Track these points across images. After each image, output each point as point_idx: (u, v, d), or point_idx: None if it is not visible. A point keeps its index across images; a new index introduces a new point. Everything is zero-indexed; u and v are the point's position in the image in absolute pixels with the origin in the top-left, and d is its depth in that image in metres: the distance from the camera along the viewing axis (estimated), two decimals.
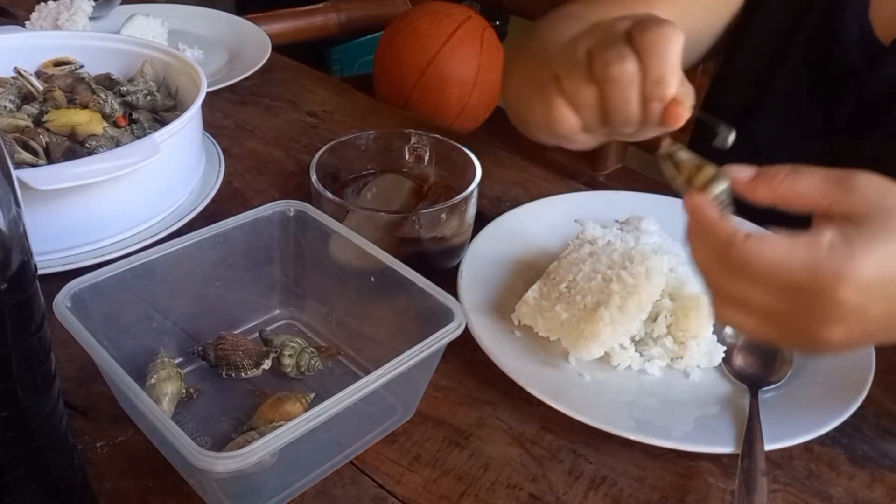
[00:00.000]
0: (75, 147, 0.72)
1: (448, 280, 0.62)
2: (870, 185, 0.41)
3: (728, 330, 0.64)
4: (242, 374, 0.58)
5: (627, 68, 0.49)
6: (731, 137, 0.52)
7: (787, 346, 0.47)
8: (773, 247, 0.40)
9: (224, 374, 0.58)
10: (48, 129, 0.73)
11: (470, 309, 0.62)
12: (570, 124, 0.53)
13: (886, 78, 0.71)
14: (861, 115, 0.73)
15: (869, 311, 0.40)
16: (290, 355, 0.58)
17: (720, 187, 0.45)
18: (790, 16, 0.76)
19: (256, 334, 0.62)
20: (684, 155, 0.47)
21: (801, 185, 0.42)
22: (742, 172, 0.44)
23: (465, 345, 0.59)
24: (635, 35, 0.49)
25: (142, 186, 0.71)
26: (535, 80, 0.56)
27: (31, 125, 0.74)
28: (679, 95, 0.49)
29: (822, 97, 0.76)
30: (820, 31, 0.74)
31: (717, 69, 0.88)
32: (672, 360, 0.62)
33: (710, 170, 0.46)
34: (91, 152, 0.72)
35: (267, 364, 0.58)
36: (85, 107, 0.78)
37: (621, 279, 0.61)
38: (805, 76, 0.76)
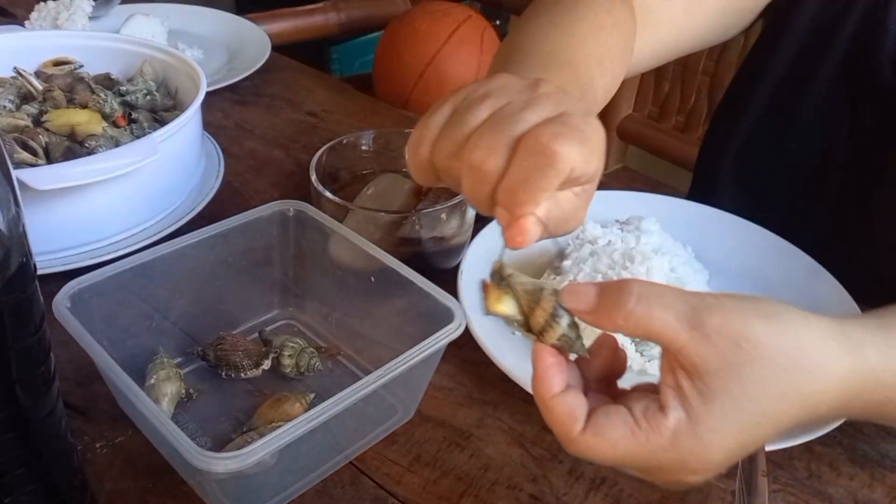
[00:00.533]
0: (74, 147, 0.72)
1: (448, 280, 0.62)
2: (723, 335, 0.37)
3: None
4: (242, 375, 0.58)
5: (487, 166, 0.41)
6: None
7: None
8: (614, 445, 0.37)
9: (224, 374, 0.58)
10: (47, 129, 0.73)
11: (470, 309, 0.62)
12: (422, 177, 0.46)
13: None
14: (888, 118, 0.73)
15: (718, 469, 0.39)
16: (289, 355, 0.58)
17: (562, 325, 0.39)
18: (832, 13, 0.75)
19: (256, 334, 0.62)
20: (517, 281, 0.40)
21: (652, 324, 0.37)
22: (581, 302, 0.39)
23: (465, 345, 0.59)
24: (526, 137, 0.41)
25: (141, 186, 0.71)
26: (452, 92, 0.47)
27: (31, 125, 0.74)
28: (526, 221, 0.42)
29: (852, 98, 0.75)
30: (861, 31, 0.73)
31: (746, 59, 0.87)
32: None
33: (547, 303, 0.39)
34: (90, 152, 0.71)
35: (266, 364, 0.58)
36: (84, 106, 0.77)
37: (622, 279, 0.61)
38: (840, 76, 0.76)
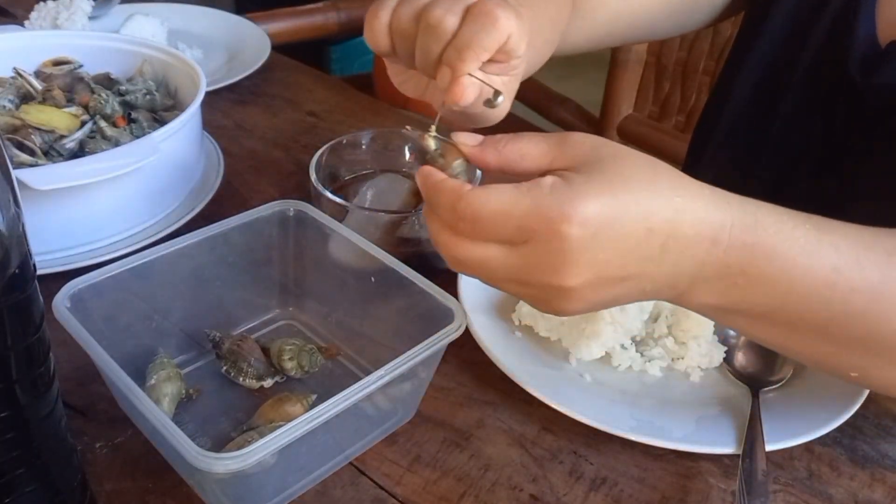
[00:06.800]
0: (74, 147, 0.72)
1: (448, 280, 0.62)
2: (586, 141, 0.43)
3: (730, 330, 0.63)
4: (240, 380, 0.57)
5: (444, 24, 0.48)
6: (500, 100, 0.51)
7: (540, 307, 0.44)
8: (499, 194, 0.41)
9: (224, 369, 0.58)
10: (31, 126, 0.72)
11: (470, 309, 0.62)
12: (379, 42, 0.52)
13: (877, 87, 0.70)
14: (857, 115, 0.73)
15: (598, 254, 0.41)
16: (289, 358, 0.58)
17: (457, 162, 0.47)
18: (804, 15, 0.76)
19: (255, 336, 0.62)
20: (433, 143, 0.48)
21: (524, 146, 0.43)
22: (470, 139, 0.45)
23: (465, 345, 0.59)
24: (478, 3, 0.49)
25: (141, 186, 0.70)
26: None
27: (24, 124, 0.73)
28: (465, 79, 0.48)
29: (825, 95, 0.76)
30: (831, 32, 0.74)
31: (724, 66, 0.87)
32: (673, 360, 0.62)
33: (451, 156, 0.47)
34: (91, 152, 0.71)
35: (268, 383, 0.58)
36: (85, 106, 0.77)
37: None
38: (813, 75, 0.76)
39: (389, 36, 0.51)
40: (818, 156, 0.77)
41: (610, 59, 1.50)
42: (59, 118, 0.74)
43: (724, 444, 0.54)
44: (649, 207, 0.41)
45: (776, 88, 0.79)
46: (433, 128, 0.48)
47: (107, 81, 0.83)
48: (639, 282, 0.43)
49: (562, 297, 0.42)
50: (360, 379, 0.47)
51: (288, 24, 1.42)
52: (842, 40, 0.72)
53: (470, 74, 0.49)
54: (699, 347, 0.61)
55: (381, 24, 0.51)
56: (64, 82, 0.81)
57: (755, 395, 0.57)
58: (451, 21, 0.48)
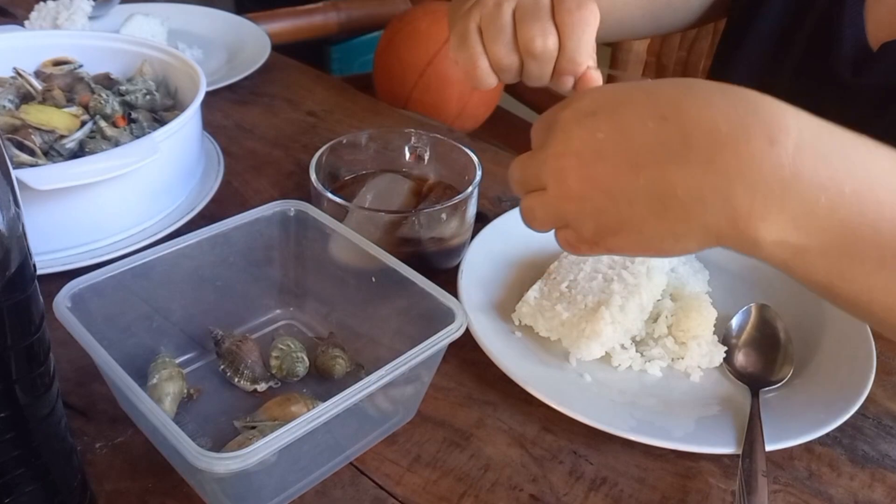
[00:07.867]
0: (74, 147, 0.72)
1: (448, 280, 0.62)
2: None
3: (730, 330, 0.64)
4: (234, 381, 0.57)
5: (549, 46, 0.53)
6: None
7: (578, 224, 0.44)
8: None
9: (221, 367, 0.58)
10: (31, 125, 0.72)
11: (470, 309, 0.62)
12: (490, 83, 0.57)
13: (869, 87, 0.70)
14: (846, 121, 0.73)
15: (595, 132, 0.41)
16: (276, 356, 0.58)
17: None
18: (789, 18, 0.76)
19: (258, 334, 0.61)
20: None
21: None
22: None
23: (466, 345, 0.59)
24: (557, 12, 0.53)
25: (141, 186, 0.70)
26: (460, 18, 0.58)
27: (25, 124, 0.73)
28: (588, 72, 0.53)
29: (812, 103, 0.76)
30: (818, 33, 0.74)
31: (710, 68, 0.88)
32: (673, 360, 0.62)
33: None
34: (91, 152, 0.71)
35: (261, 386, 0.58)
36: (85, 106, 0.77)
37: (622, 279, 0.61)
38: (800, 77, 0.76)
39: (494, 74, 0.56)
40: None
41: (610, 59, 1.50)
42: (59, 118, 0.74)
43: (724, 444, 0.54)
44: (657, 88, 0.40)
45: (762, 89, 0.79)
46: None
47: (107, 81, 0.83)
48: (666, 186, 0.37)
49: (570, 195, 0.42)
50: (360, 379, 0.47)
51: (288, 24, 1.42)
52: (826, 43, 0.73)
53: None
54: (699, 347, 0.61)
55: (485, 69, 0.55)
56: (64, 82, 0.81)
57: (755, 395, 0.57)
58: (551, 43, 0.52)
